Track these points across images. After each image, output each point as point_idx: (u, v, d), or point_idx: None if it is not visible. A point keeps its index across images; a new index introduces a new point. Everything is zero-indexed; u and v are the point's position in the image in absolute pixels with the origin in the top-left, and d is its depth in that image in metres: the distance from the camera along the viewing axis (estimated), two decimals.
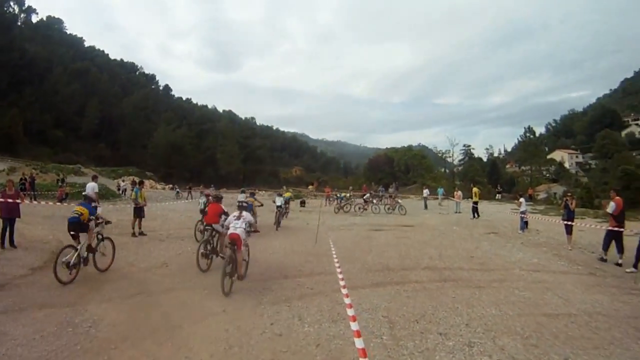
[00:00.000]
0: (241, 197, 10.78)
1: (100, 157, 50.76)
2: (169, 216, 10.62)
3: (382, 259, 7.90)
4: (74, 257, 4.78)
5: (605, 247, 7.87)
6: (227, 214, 6.02)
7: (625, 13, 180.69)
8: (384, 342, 4.03)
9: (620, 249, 7.54)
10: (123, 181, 27.14)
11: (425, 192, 21.89)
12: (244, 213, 5.39)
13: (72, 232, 4.98)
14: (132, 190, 9.73)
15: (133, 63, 79.46)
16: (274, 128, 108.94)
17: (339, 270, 5.57)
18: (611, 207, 7.69)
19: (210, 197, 8.75)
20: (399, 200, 18.12)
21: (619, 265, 7.53)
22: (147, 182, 26.53)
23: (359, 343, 2.90)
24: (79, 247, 4.91)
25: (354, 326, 3.12)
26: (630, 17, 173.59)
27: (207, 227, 6.34)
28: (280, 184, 41.99)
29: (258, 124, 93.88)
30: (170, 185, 35.62)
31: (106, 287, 5.18)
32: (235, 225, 5.17)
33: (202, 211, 9.12)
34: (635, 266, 7.06)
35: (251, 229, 5.52)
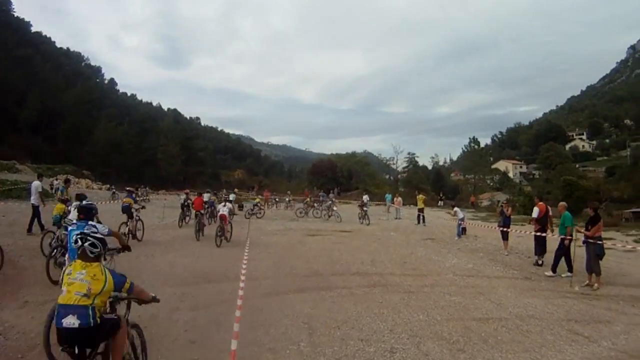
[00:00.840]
0: (206, 196, 23.75)
1: (38, 153, 79.39)
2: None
3: (312, 264, 13.02)
4: None
5: (538, 251, 14.33)
6: (209, 204, 23.97)
7: (578, 37, 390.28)
8: (301, 349, 6.40)
9: (541, 251, 14.17)
10: (57, 180, 45.61)
11: (365, 197, 34.13)
12: (228, 203, 17.68)
13: None
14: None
15: (79, 53, 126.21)
16: (219, 129, 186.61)
17: (242, 278, 8.95)
18: (535, 212, 14.32)
19: (189, 194, 24.86)
20: (334, 208, 30.34)
21: (540, 265, 13.99)
22: (83, 182, 59.36)
23: (233, 344, 5.27)
24: None
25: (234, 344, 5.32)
26: (582, 41, 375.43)
27: (196, 213, 18.84)
28: (222, 186, 73.06)
29: (203, 124, 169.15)
30: (107, 186, 58.17)
31: (22, 292, 8.60)
32: (223, 209, 16.75)
33: (183, 205, 22.53)
34: (553, 270, 12.84)
35: (233, 213, 19.21)
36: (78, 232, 4.81)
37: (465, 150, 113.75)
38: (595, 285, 11.23)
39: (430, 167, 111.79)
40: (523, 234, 16.97)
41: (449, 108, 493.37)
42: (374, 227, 24.68)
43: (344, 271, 12.25)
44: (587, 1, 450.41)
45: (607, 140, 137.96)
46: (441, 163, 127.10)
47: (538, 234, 14.13)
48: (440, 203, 60.15)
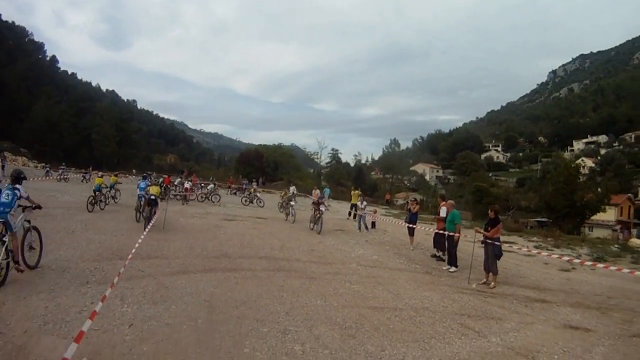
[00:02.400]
0: (177, 180, 34.55)
1: None
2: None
3: (224, 246, 13.57)
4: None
5: (437, 245, 15.35)
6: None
7: (504, 57, 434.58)
8: (198, 325, 6.71)
9: (443, 248, 14.87)
10: None
11: (292, 189, 33.73)
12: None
13: None
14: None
15: (24, 28, 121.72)
16: (154, 113, 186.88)
17: (130, 256, 9.37)
18: (443, 211, 15.00)
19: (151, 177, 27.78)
20: (257, 194, 33.10)
21: (441, 259, 14.86)
22: (19, 159, 64.18)
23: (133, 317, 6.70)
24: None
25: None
26: (508, 60, 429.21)
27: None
28: (154, 170, 73.45)
29: (139, 107, 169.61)
30: (43, 164, 58.49)
31: None
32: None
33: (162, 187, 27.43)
34: (450, 263, 13.66)
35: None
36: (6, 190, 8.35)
37: (386, 150, 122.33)
38: (492, 284, 11.61)
39: (352, 164, 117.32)
40: (430, 231, 17.30)
41: (376, 110, 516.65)
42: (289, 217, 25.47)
43: (252, 255, 12.66)
44: (516, 25, 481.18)
45: (521, 154, 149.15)
46: (363, 161, 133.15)
47: (441, 231, 14.80)
48: (360, 198, 62.51)
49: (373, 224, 22.17)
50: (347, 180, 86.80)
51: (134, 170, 65.53)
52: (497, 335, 7.70)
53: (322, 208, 19.69)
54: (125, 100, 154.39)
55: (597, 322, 9.06)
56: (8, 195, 8.25)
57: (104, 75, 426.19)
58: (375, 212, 24.73)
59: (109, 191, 22.82)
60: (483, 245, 12.16)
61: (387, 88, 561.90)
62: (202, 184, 40.08)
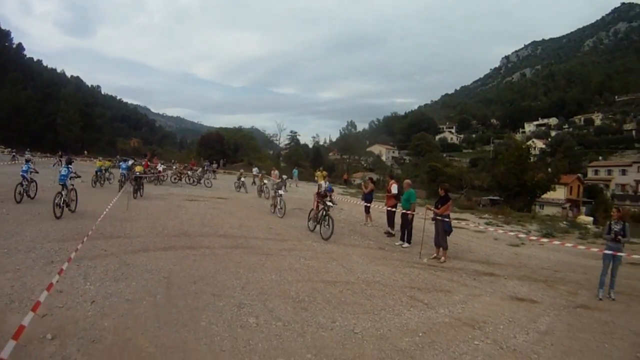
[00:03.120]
0: (160, 166, 34.52)
1: None
2: None
3: (184, 226, 13.75)
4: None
5: (389, 222, 15.87)
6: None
7: (459, 44, 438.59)
8: (157, 300, 6.90)
9: (394, 224, 15.60)
10: None
11: (255, 170, 35.92)
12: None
13: None
14: None
15: None
16: (118, 98, 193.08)
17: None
18: (394, 188, 15.73)
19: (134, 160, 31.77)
20: (206, 176, 34.71)
21: (392, 235, 15.30)
22: None
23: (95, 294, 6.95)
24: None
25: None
26: (463, 47, 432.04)
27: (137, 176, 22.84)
28: (117, 153, 73.25)
29: (103, 92, 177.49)
30: (9, 149, 60.12)
31: None
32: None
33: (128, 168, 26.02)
34: (403, 239, 14.05)
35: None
36: None
37: (343, 132, 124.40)
38: (442, 258, 11.86)
39: (310, 146, 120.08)
40: (384, 208, 17.46)
41: (334, 93, 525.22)
42: (250, 196, 26.03)
43: (211, 233, 12.85)
44: (472, 13, 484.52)
45: (474, 136, 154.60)
46: (321, 142, 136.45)
47: (391, 209, 15.46)
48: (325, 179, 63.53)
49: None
50: (305, 161, 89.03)
51: (100, 158, 67.73)
52: (445, 307, 7.89)
53: (331, 203, 14.38)
54: (90, 86, 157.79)
55: (543, 294, 9.34)
56: (65, 170, 14.34)
57: (69, 61, 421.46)
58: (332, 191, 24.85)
59: (104, 173, 26.58)
60: (434, 222, 12.42)
61: (346, 72, 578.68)
62: (193, 168, 40.29)
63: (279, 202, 18.98)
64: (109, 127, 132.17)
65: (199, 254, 10.09)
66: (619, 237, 9.17)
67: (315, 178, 29.85)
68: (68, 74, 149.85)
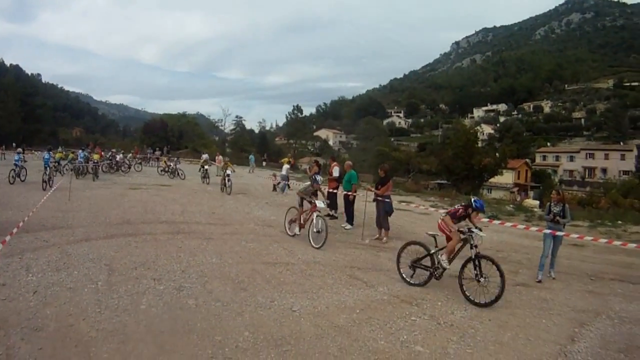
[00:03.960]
0: (82, 154, 30.59)
1: None
2: None
3: (126, 214, 13.96)
4: None
5: (330, 204, 15.11)
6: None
7: (410, 28, 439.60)
8: (98, 287, 7.10)
9: (335, 206, 15.74)
10: None
11: (204, 156, 34.38)
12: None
13: None
14: None
15: None
16: (59, 87, 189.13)
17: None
18: (336, 171, 15.85)
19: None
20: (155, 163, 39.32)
21: (334, 217, 15.46)
22: None
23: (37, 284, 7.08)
24: None
25: None
26: (413, 32, 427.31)
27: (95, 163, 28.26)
28: (59, 144, 67.46)
29: (44, 81, 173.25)
30: None
31: None
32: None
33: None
34: (350, 223, 14.21)
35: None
36: None
37: (289, 117, 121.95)
38: (384, 239, 12.13)
39: (257, 131, 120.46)
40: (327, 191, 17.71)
41: (282, 78, 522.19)
42: (193, 182, 26.31)
43: (153, 220, 13.18)
44: None
45: (422, 120, 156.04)
46: (268, 127, 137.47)
47: (333, 191, 15.50)
48: (264, 163, 64.03)
49: (274, 187, 23.15)
50: (250, 146, 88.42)
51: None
52: (384, 285, 8.10)
53: (320, 203, 11.69)
54: (30, 74, 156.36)
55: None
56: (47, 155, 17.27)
57: (7, 49, 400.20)
58: (274, 175, 25.73)
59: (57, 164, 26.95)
60: (375, 203, 12.63)
61: (294, 56, 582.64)
62: (172, 158, 38.68)
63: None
64: (51, 117, 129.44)
65: (140, 241, 10.33)
66: (558, 218, 9.47)
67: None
68: (7, 63, 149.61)
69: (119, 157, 35.06)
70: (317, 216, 11.37)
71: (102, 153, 35.39)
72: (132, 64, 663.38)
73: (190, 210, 15.27)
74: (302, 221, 11.94)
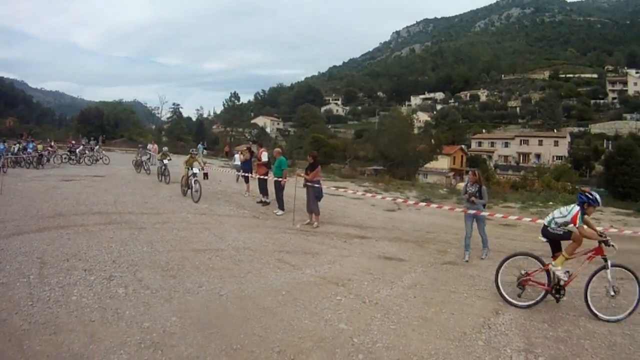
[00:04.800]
0: (31, 145, 30.27)
1: None
2: None
3: (59, 206, 13.69)
4: None
5: (261, 191, 16.37)
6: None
7: (351, 16, 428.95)
8: (30, 280, 7.05)
9: (266, 192, 16.19)
10: None
11: (150, 147, 34.21)
12: None
13: None
14: None
15: None
16: None
17: None
18: (264, 156, 16.22)
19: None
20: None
21: (266, 203, 15.94)
22: None
23: None
24: None
25: None
26: (354, 20, 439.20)
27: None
28: None
29: None
30: None
31: None
32: None
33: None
34: (281, 209, 14.52)
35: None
36: None
37: (226, 104, 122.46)
38: (315, 223, 12.32)
39: (194, 119, 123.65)
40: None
41: (221, 64, 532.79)
42: (127, 172, 25.87)
43: (86, 211, 12.97)
44: None
45: (360, 108, 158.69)
46: (205, 115, 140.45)
47: (263, 177, 15.71)
48: (205, 152, 63.03)
49: (205, 175, 22.58)
50: (187, 135, 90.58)
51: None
52: (312, 268, 8.35)
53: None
54: None
55: (413, 253, 9.95)
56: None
57: None
58: (205, 164, 25.23)
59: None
60: (305, 188, 12.87)
61: (233, 42, 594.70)
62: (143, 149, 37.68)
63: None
64: None
65: (72, 233, 10.23)
66: (473, 198, 9.72)
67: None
68: None
69: (79, 148, 33.60)
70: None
71: (53, 144, 34.34)
72: (70, 48, 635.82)
73: (123, 201, 15.19)
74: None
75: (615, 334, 5.96)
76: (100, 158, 33.04)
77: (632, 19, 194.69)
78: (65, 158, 31.85)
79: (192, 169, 16.88)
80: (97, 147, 36.66)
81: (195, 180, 16.33)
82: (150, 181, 22.00)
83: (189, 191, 16.41)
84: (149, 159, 28.18)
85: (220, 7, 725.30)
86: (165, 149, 25.37)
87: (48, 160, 30.34)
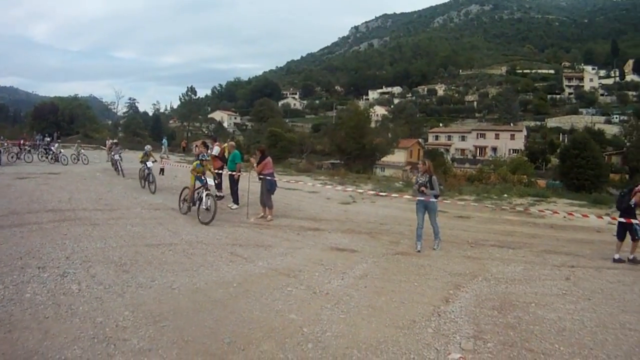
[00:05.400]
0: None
1: None
2: None
3: (12, 204, 13.42)
4: None
5: (219, 186, 15.85)
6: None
7: (310, 10, 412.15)
8: None
9: (221, 187, 16.09)
10: None
11: (108, 142, 34.03)
12: None
13: None
14: None
15: None
16: None
17: None
18: (216, 150, 16.10)
19: None
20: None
21: (221, 197, 15.56)
22: None
23: None
24: None
25: None
26: (313, 14, 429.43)
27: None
28: None
29: None
30: None
31: None
32: None
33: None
34: (236, 203, 14.62)
35: None
36: None
37: (183, 99, 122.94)
38: (269, 217, 12.43)
39: (150, 114, 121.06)
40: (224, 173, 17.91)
41: (177, 58, 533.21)
42: (83, 169, 25.60)
43: (40, 209, 12.86)
44: None
45: (318, 102, 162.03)
46: (162, 110, 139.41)
47: (217, 171, 15.51)
48: (169, 147, 63.23)
49: (162, 171, 22.52)
50: (144, 130, 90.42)
51: None
52: (264, 260, 8.48)
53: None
54: None
55: (365, 244, 10.11)
56: None
57: None
58: (162, 159, 25.49)
59: None
60: (259, 181, 13.00)
61: (191, 36, 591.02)
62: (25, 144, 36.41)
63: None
64: None
65: (26, 231, 10.17)
66: (423, 188, 9.82)
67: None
68: None
69: (55, 146, 32.14)
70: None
71: (23, 141, 33.80)
72: (24, 42, 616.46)
73: (77, 197, 15.07)
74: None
75: (564, 320, 6.07)
76: (80, 157, 30.62)
77: (590, 17, 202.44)
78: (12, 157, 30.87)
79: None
80: (57, 145, 34.68)
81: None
82: (104, 178, 21.58)
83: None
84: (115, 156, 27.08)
85: (176, 1, 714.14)
86: (148, 147, 23.79)
87: (56, 160, 29.57)
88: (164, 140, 45.64)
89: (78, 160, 30.23)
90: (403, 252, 9.60)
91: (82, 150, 30.49)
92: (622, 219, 9.35)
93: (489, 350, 5.23)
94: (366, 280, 7.42)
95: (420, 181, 9.97)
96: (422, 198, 9.80)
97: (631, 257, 9.24)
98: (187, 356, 4.83)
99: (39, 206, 13.30)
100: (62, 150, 30.57)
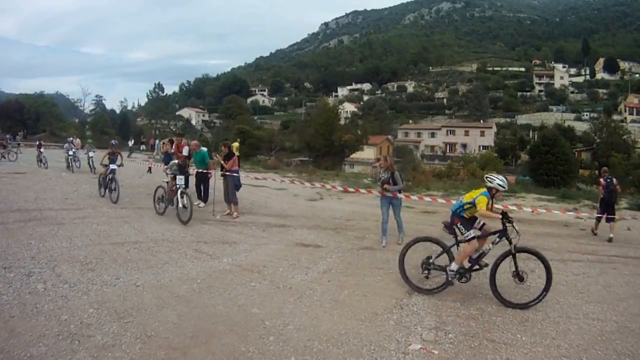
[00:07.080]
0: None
1: None
2: None
3: None
4: None
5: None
6: None
7: (280, 6, 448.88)
8: None
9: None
10: None
11: (70, 139, 31.56)
12: None
13: None
14: None
15: None
16: None
17: None
18: (185, 150, 15.86)
19: None
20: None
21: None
22: None
23: None
24: None
25: None
26: (282, 10, 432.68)
27: None
28: None
29: None
30: None
31: None
32: None
33: None
34: (204, 201, 14.74)
35: None
36: None
37: (150, 96, 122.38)
38: (235, 214, 12.56)
39: (118, 111, 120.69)
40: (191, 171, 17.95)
41: (145, 54, 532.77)
42: (49, 170, 25.11)
43: (5, 209, 12.78)
44: None
45: (287, 98, 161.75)
46: (129, 107, 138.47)
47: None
48: (143, 147, 64.10)
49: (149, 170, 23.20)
50: (111, 128, 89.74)
51: None
52: (229, 257, 8.63)
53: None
54: None
55: (330, 239, 10.32)
56: None
57: None
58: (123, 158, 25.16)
59: None
60: (223, 178, 13.15)
61: (158, 31, 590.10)
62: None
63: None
64: None
65: None
66: (386, 186, 9.99)
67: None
68: None
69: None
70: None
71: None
72: None
73: (43, 197, 15.00)
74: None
75: (527, 311, 6.32)
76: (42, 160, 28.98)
77: (561, 16, 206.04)
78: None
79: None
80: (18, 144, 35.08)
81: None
82: (70, 177, 21.61)
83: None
84: (74, 153, 26.66)
85: None
86: (113, 142, 21.80)
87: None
88: (157, 142, 44.62)
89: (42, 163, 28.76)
90: (368, 247, 9.82)
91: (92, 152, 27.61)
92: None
93: (450, 340, 5.40)
94: (330, 275, 7.59)
95: (382, 178, 10.14)
96: (389, 195, 9.97)
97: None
98: (150, 350, 4.92)
99: (4, 206, 13.25)
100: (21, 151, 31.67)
